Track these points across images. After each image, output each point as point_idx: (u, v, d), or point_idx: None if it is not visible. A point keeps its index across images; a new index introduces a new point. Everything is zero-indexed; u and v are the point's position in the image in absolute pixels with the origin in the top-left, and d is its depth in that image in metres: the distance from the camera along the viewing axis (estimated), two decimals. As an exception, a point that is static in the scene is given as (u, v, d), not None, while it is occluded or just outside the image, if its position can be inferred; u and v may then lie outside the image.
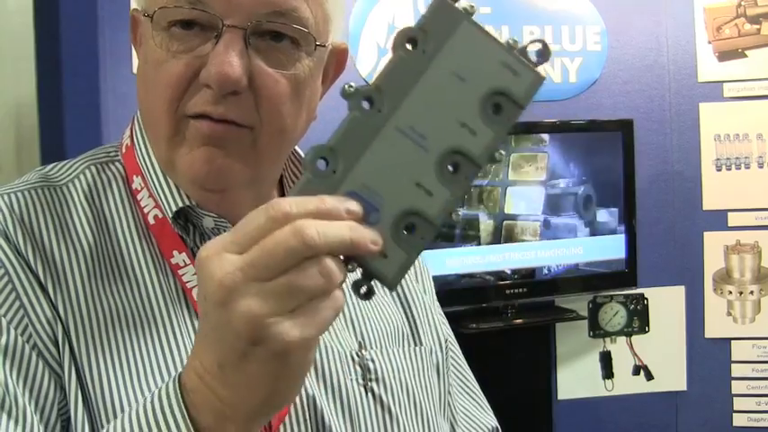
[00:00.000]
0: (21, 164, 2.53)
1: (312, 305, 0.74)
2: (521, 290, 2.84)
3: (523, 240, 2.82)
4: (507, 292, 2.83)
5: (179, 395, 0.81)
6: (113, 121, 2.38)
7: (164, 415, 0.81)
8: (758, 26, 3.06)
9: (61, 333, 0.98)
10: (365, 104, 0.77)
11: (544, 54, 0.80)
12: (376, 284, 0.78)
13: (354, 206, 0.76)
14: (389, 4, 2.86)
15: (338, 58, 1.13)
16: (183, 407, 0.81)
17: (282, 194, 1.17)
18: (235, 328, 0.73)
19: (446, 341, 1.26)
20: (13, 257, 1.00)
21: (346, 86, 0.77)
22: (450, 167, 0.77)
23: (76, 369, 0.98)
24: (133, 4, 1.10)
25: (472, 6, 0.78)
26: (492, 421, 1.32)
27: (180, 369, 0.95)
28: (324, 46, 1.05)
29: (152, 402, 0.83)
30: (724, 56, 3.08)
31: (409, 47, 0.77)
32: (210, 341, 0.77)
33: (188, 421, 0.80)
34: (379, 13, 2.83)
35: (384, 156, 0.76)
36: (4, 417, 0.91)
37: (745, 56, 3.08)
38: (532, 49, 0.79)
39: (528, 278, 2.85)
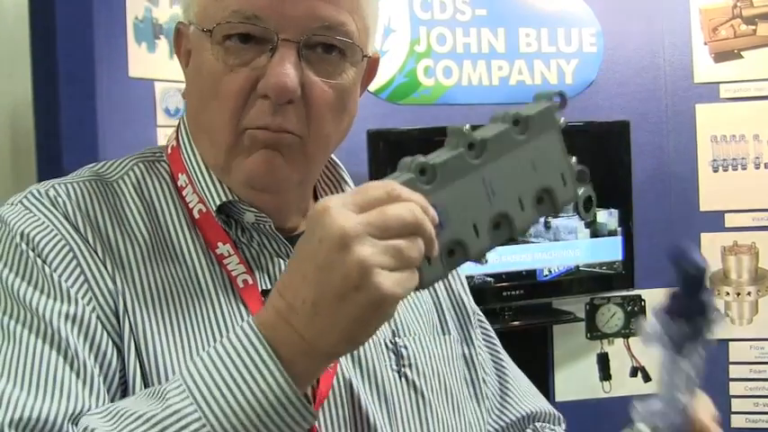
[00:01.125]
0: (16, 168, 2.53)
1: (406, 272, 0.85)
2: (518, 292, 2.84)
3: (522, 242, 2.82)
4: (504, 294, 2.83)
5: (257, 331, 0.89)
6: (109, 125, 2.38)
7: (245, 349, 0.88)
8: (754, 27, 3.07)
9: (122, 306, 1.04)
10: (467, 148, 0.92)
11: (584, 179, 1.01)
12: None
13: (436, 217, 0.88)
14: (385, 6, 2.86)
15: (371, 66, 1.20)
16: (263, 340, 0.88)
17: (316, 198, 1.23)
18: (346, 269, 0.83)
19: (475, 331, 1.32)
20: (76, 235, 1.06)
21: (464, 128, 0.92)
22: (495, 223, 0.93)
23: (135, 341, 1.03)
24: (183, 16, 1.16)
25: (566, 123, 0.98)
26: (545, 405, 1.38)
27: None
28: (368, 57, 1.13)
29: (230, 341, 0.89)
30: (720, 57, 3.09)
31: (513, 125, 0.94)
32: (311, 281, 0.85)
33: (271, 353, 0.87)
34: (374, 15, 2.83)
35: (464, 191, 0.91)
36: (74, 377, 0.97)
37: (741, 57, 3.08)
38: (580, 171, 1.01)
39: (525, 280, 2.85)
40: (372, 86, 2.89)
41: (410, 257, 0.85)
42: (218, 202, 1.12)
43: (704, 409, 1.01)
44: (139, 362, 1.02)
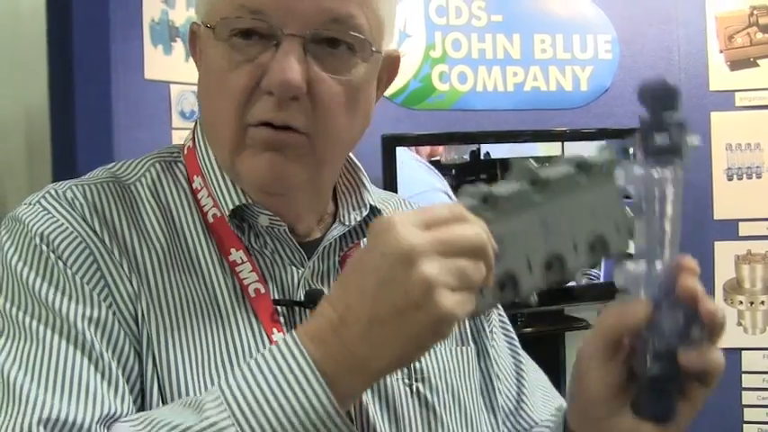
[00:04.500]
0: (32, 169, 2.54)
1: (467, 293, 0.84)
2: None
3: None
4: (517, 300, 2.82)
5: (300, 346, 0.87)
6: (124, 127, 2.39)
7: (288, 364, 0.86)
8: (770, 35, 3.06)
9: (140, 312, 1.02)
10: (531, 183, 0.92)
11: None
12: None
13: (495, 245, 0.87)
14: (400, 11, 2.86)
15: (391, 65, 1.17)
16: (306, 355, 0.86)
17: (336, 201, 1.21)
18: (410, 285, 0.81)
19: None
20: (95, 237, 1.04)
21: (530, 164, 0.92)
22: (547, 264, 0.93)
23: (152, 349, 1.01)
24: (194, 18, 1.14)
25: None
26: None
27: (238, 361, 1.02)
28: (379, 52, 1.09)
29: (272, 354, 0.88)
30: (736, 65, 3.08)
31: (577, 169, 0.95)
32: (369, 295, 0.84)
33: (314, 369, 0.85)
34: (390, 20, 2.83)
35: (522, 226, 0.91)
36: (101, 379, 0.96)
37: (757, 65, 3.07)
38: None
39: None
40: (387, 91, 2.90)
41: (473, 279, 0.84)
42: (230, 206, 1.09)
43: (689, 270, 0.97)
44: (157, 370, 1.01)
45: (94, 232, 1.05)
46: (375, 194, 1.25)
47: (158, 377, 1.01)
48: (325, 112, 1.05)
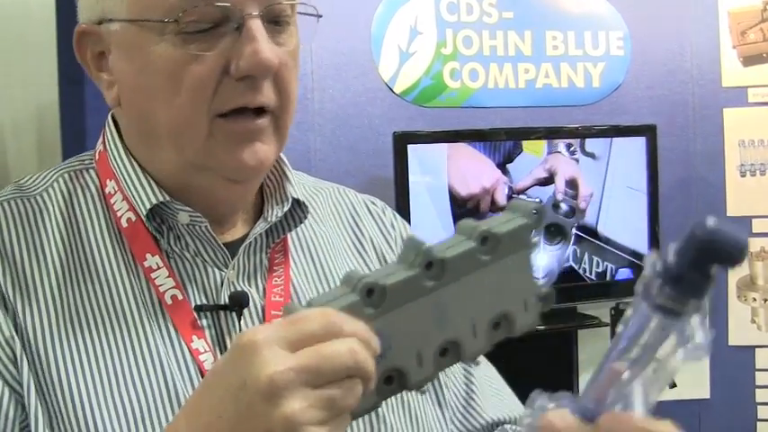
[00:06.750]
0: (42, 167, 2.54)
1: (338, 419, 0.75)
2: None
3: (545, 246, 2.81)
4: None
5: None
6: (135, 125, 2.39)
7: None
8: (783, 31, 3.04)
9: (19, 351, 0.98)
10: (425, 267, 0.81)
11: (548, 304, 0.89)
12: None
13: (378, 347, 0.77)
14: (412, 8, 2.85)
15: None
16: None
17: (262, 193, 1.16)
18: (270, 425, 0.73)
19: None
20: None
21: (424, 245, 0.81)
22: (441, 351, 0.83)
23: (38, 385, 0.97)
24: (85, 17, 1.11)
25: (538, 242, 0.85)
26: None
27: (151, 375, 0.98)
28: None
29: None
30: (748, 60, 3.06)
31: (480, 243, 0.83)
32: (229, 425, 0.75)
33: None
34: (401, 17, 2.83)
35: (411, 316, 0.81)
36: None
37: (770, 61, 3.06)
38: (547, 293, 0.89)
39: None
40: (398, 89, 2.87)
41: (345, 405, 0.75)
42: (147, 206, 1.05)
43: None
44: (45, 403, 0.97)
45: None
46: (308, 185, 1.22)
47: (48, 409, 0.96)
48: (286, 87, 1.04)
